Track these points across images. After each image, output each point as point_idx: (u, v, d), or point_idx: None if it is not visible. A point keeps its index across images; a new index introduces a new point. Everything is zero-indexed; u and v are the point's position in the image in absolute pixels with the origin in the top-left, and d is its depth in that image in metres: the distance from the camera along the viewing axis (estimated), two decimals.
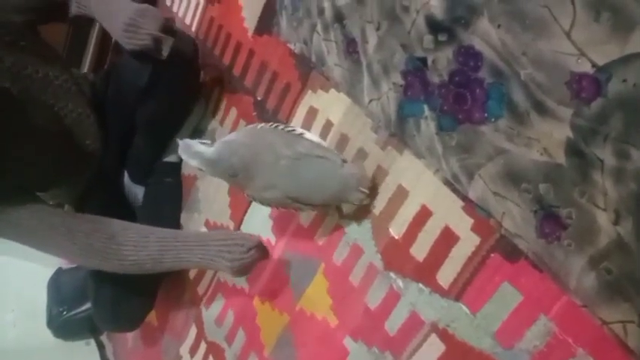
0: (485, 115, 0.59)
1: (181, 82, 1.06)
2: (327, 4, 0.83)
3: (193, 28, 1.28)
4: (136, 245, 0.90)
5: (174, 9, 1.38)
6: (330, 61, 0.83)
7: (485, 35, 0.60)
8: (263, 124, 0.80)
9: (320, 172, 0.74)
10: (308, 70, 0.89)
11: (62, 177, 1.06)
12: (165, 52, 0.93)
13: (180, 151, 0.81)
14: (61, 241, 0.88)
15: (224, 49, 1.14)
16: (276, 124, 0.79)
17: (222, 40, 1.15)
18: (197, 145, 0.80)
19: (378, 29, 0.74)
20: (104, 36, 1.57)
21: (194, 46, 1.10)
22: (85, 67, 1.60)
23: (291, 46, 0.93)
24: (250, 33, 1.05)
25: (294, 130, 0.78)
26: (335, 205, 0.80)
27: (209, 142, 0.81)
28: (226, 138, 0.80)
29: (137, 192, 1.26)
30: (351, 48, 0.79)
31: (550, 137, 0.53)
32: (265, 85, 1.00)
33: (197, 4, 1.28)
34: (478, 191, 0.60)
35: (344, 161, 0.73)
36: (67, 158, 1.03)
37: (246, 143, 0.78)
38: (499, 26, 0.58)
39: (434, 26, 0.66)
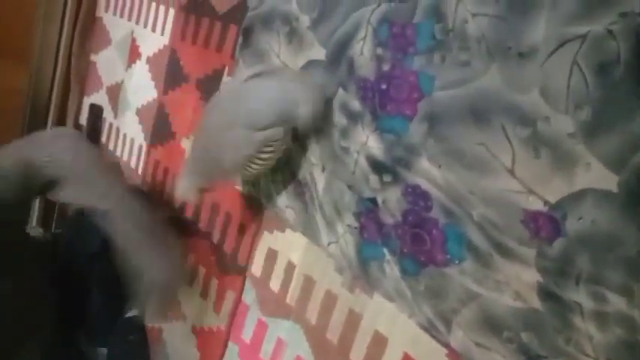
0: (448, 256, 0.56)
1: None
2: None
3: (139, 171, 1.26)
4: None
5: (118, 153, 1.36)
6: (280, 203, 0.81)
7: (429, 175, 0.59)
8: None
9: (262, 88, 0.72)
10: (261, 211, 0.86)
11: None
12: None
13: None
14: None
15: (173, 193, 1.11)
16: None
17: (170, 183, 1.13)
18: None
19: (323, 171, 0.73)
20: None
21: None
22: (34, 221, 1.53)
23: (240, 188, 0.90)
24: None
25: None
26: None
27: None
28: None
29: (101, 355, 1.15)
30: (299, 189, 0.77)
31: (519, 280, 0.50)
32: (220, 228, 0.96)
33: (140, 147, 1.27)
34: (459, 341, 0.55)
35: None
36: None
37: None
38: (440, 166, 0.57)
39: (377, 166, 0.65)
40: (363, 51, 0.68)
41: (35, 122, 1.49)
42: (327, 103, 0.73)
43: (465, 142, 0.55)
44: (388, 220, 0.63)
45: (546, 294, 0.48)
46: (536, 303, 0.49)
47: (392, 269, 0.62)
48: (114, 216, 0.84)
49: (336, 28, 0.72)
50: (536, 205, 0.49)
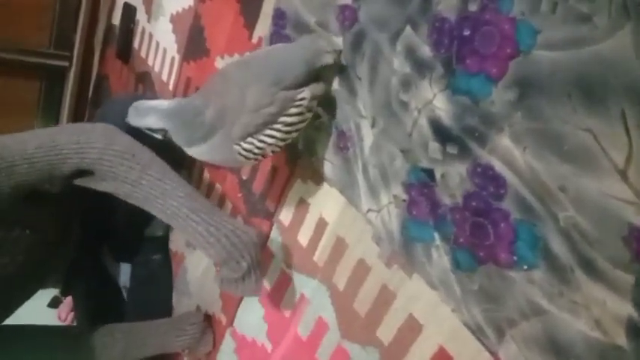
0: (515, 258, 0.47)
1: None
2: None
3: (170, 87, 1.16)
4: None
5: (150, 62, 1.26)
6: (319, 153, 0.71)
7: (508, 157, 0.47)
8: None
9: (271, 53, 0.68)
10: (296, 156, 0.77)
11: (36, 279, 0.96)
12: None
13: (130, 117, 0.69)
14: None
15: None
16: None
17: None
18: (151, 102, 0.68)
19: (373, 126, 0.62)
20: (80, 91, 1.46)
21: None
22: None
23: None
24: None
25: None
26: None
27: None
28: (183, 99, 0.70)
29: (123, 270, 1.16)
30: (342, 143, 0.67)
31: (604, 308, 0.41)
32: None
33: (172, 60, 1.16)
34: (511, 355, 0.48)
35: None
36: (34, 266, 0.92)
37: (211, 91, 0.67)
38: (525, 149, 0.46)
39: (441, 133, 0.53)
40: None
41: (65, 21, 1.39)
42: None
43: (566, 125, 0.43)
44: (445, 200, 0.53)
45: (637, 333, 0.39)
46: (621, 339, 0.40)
47: (440, 257, 0.53)
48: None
49: None
50: None
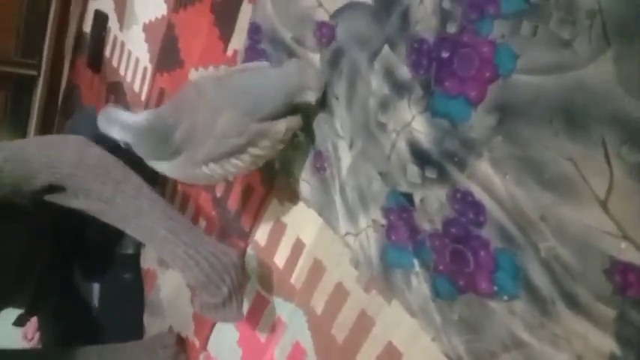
0: (495, 288, 0.46)
1: None
2: None
3: (143, 97, 1.13)
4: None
5: (122, 72, 1.22)
6: (295, 173, 0.69)
7: (488, 183, 0.46)
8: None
9: (252, 79, 0.64)
10: (272, 175, 0.75)
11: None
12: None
13: (99, 122, 0.65)
14: None
15: None
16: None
17: None
18: (121, 113, 0.64)
19: (350, 147, 0.60)
20: (49, 102, 1.40)
21: None
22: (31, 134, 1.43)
23: None
24: None
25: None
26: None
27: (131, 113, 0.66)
28: (155, 110, 0.67)
29: (94, 290, 1.11)
30: (319, 163, 0.65)
31: (586, 342, 0.40)
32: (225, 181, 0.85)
33: (144, 70, 1.12)
34: None
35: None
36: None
37: (183, 105, 0.64)
38: (506, 175, 0.45)
39: (420, 156, 0.52)
40: (424, 0, 0.52)
41: (33, 27, 1.33)
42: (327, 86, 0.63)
43: (548, 152, 0.42)
44: (424, 225, 0.51)
45: None
46: None
47: (420, 284, 0.52)
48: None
49: None
50: (630, 254, 0.37)
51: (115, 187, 0.70)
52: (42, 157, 0.69)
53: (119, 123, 0.63)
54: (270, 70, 0.67)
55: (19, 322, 1.37)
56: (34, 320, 1.29)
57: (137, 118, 0.64)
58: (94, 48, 1.33)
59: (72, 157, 0.70)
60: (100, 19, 1.31)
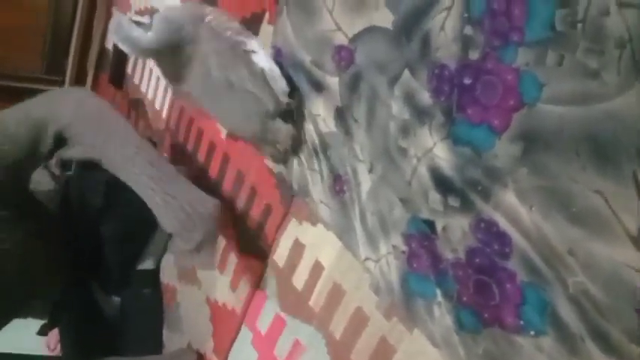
0: (521, 322, 0.44)
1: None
2: (308, 126, 0.69)
3: (164, 115, 1.14)
4: None
5: (143, 89, 1.24)
6: (315, 195, 0.68)
7: (514, 214, 0.45)
8: (212, 19, 0.70)
9: (244, 108, 0.69)
10: (290, 195, 0.75)
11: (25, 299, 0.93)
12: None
13: (111, 33, 0.71)
14: None
15: (197, 146, 1.00)
16: (227, 27, 0.70)
17: (195, 135, 1.01)
18: (133, 29, 0.67)
19: (370, 171, 0.59)
20: None
21: None
22: None
23: (269, 164, 0.78)
24: (224, 135, 0.91)
25: (244, 43, 0.69)
26: None
27: (145, 20, 0.69)
28: (169, 16, 0.70)
29: (114, 303, 1.12)
30: (338, 186, 0.64)
31: None
32: (244, 199, 0.85)
33: (165, 88, 1.14)
34: None
35: (283, 107, 0.68)
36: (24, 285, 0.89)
37: (186, 36, 0.68)
38: (532, 208, 0.43)
39: (442, 183, 0.51)
40: (444, 26, 0.51)
41: (57, 45, 1.36)
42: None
43: (575, 184, 0.41)
44: (447, 254, 0.50)
45: None
46: None
47: (443, 315, 0.51)
48: (126, 170, 0.75)
49: None
50: None
51: (107, 137, 0.74)
52: (46, 113, 0.74)
53: (130, 41, 0.67)
54: (259, 118, 0.70)
55: (42, 331, 1.39)
56: (56, 331, 1.31)
57: (147, 38, 0.67)
58: (117, 65, 1.35)
59: (70, 107, 0.74)
60: None
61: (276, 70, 0.69)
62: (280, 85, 0.69)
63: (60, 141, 0.74)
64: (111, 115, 0.76)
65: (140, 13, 1.12)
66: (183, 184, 0.74)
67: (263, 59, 0.69)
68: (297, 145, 0.70)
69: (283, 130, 0.70)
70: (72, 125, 0.73)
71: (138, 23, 0.67)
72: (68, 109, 0.74)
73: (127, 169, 0.73)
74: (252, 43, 0.70)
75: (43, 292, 0.97)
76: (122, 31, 0.67)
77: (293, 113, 0.69)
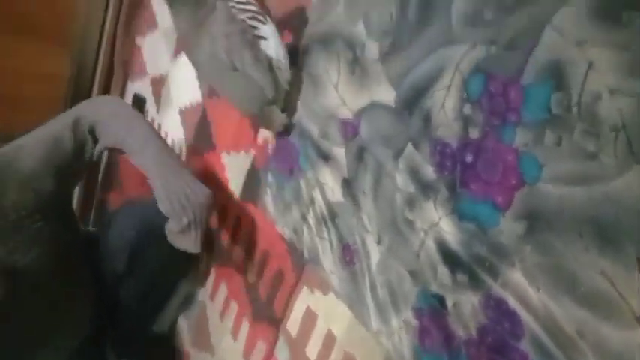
0: None
1: (165, 265, 0.94)
2: (317, 195, 0.70)
3: None
4: None
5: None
6: (325, 264, 0.69)
7: (522, 294, 0.45)
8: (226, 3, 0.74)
9: (245, 91, 0.74)
10: (302, 262, 0.75)
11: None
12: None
13: None
14: None
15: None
16: (244, 8, 0.73)
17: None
18: None
19: (379, 243, 0.60)
20: (90, 172, 1.48)
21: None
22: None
23: (280, 230, 0.79)
24: (236, 197, 0.93)
25: (256, 28, 0.72)
26: None
27: None
28: None
29: None
30: (348, 256, 0.65)
31: None
32: (256, 266, 0.86)
33: (180, 151, 1.18)
34: None
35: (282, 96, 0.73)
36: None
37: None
38: (539, 289, 0.44)
39: (449, 257, 0.52)
40: (445, 105, 0.53)
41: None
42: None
43: (580, 265, 0.41)
44: (459, 331, 0.50)
45: None
46: None
47: None
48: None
49: (412, 66, 0.58)
50: None
51: (126, 132, 0.85)
52: (84, 110, 0.87)
53: None
54: (256, 102, 0.76)
55: None
56: None
57: None
58: None
59: (107, 110, 0.88)
60: (139, 101, 1.40)
61: (284, 61, 0.73)
62: (285, 76, 0.73)
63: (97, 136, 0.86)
64: (135, 114, 0.92)
65: None
66: (181, 174, 0.83)
67: (272, 47, 0.73)
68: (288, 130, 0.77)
69: (278, 118, 0.76)
70: (103, 121, 0.85)
71: None
72: (105, 105, 0.89)
73: (142, 154, 0.84)
74: (265, 30, 0.73)
75: (63, 336, 0.96)
76: None
77: (290, 103, 0.75)
